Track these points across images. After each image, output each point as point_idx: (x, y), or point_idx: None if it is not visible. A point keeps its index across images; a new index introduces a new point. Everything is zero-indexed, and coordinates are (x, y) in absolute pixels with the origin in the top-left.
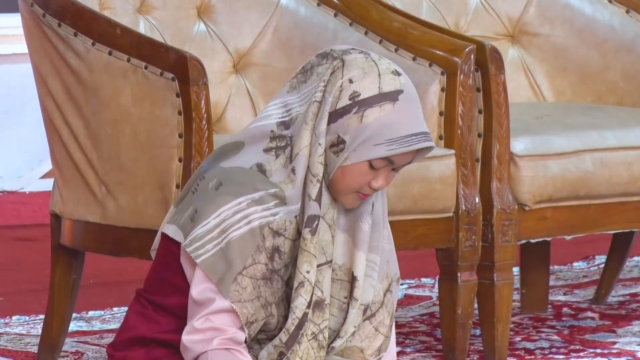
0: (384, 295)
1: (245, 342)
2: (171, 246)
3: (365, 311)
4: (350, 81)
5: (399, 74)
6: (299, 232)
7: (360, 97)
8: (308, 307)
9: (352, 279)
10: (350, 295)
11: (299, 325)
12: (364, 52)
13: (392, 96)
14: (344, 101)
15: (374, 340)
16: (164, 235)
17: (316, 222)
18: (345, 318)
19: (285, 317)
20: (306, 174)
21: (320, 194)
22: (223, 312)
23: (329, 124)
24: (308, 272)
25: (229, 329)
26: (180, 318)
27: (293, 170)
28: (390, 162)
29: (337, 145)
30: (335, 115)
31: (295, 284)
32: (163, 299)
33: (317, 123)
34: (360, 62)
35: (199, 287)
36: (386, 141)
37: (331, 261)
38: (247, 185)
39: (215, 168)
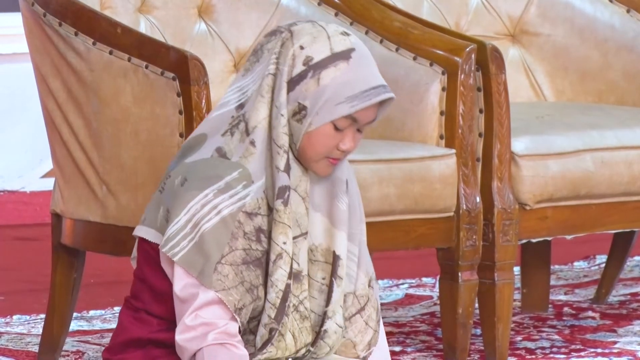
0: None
1: (240, 332)
2: (146, 247)
3: (344, 300)
4: (302, 48)
5: (347, 34)
6: (270, 208)
7: (314, 61)
8: (289, 278)
9: (335, 258)
10: (334, 274)
11: (283, 297)
12: (309, 20)
13: (344, 55)
14: (299, 68)
15: (365, 334)
16: (139, 239)
17: (287, 193)
18: (327, 300)
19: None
20: (271, 146)
21: (288, 165)
22: (210, 305)
23: (287, 93)
24: (285, 243)
25: (220, 321)
26: (171, 318)
27: (252, 143)
28: (354, 120)
29: (299, 112)
30: (292, 84)
31: (273, 257)
32: (150, 305)
33: (275, 95)
34: (308, 29)
35: (180, 283)
36: (346, 99)
37: (306, 233)
38: (211, 176)
39: (180, 165)
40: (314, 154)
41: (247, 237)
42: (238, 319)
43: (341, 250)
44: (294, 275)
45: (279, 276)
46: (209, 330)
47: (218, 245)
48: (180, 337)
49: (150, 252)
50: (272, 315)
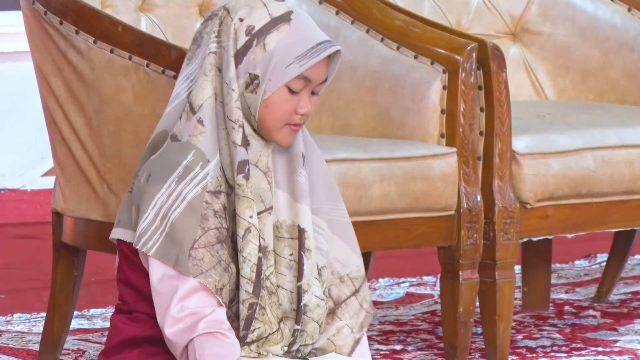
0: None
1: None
2: (124, 249)
3: (320, 273)
4: (241, 20)
5: (283, 0)
6: (230, 186)
7: (256, 29)
8: (259, 251)
9: (300, 232)
10: (302, 247)
11: (257, 271)
12: None
13: (284, 17)
14: (242, 39)
15: (359, 316)
16: (118, 243)
17: (247, 167)
18: (299, 274)
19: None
20: (225, 125)
21: (245, 140)
22: (193, 293)
23: (236, 67)
24: (251, 217)
25: (207, 309)
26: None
27: (200, 121)
28: (307, 80)
29: (251, 83)
30: (239, 56)
31: (242, 232)
32: (138, 305)
33: (224, 71)
34: (243, 2)
35: (157, 275)
36: (295, 59)
37: (271, 208)
38: (168, 165)
39: (145, 163)
40: (273, 122)
41: (217, 215)
42: (222, 302)
43: (306, 223)
44: (261, 250)
45: (251, 250)
46: (197, 319)
47: (189, 231)
48: (169, 330)
49: (128, 254)
50: (250, 290)
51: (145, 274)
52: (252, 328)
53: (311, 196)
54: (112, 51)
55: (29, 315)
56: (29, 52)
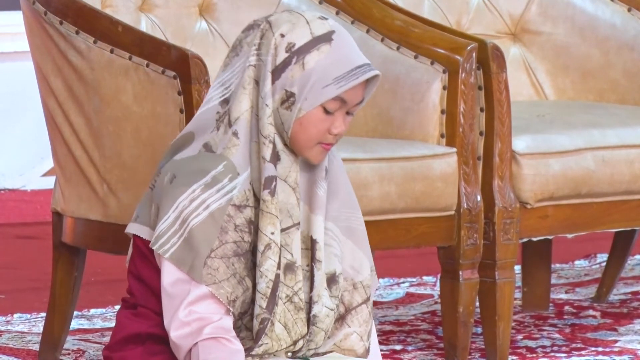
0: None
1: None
2: (140, 245)
3: (331, 280)
4: (282, 35)
5: (325, 18)
6: (257, 199)
7: (297, 47)
8: (278, 268)
9: (312, 243)
10: (313, 258)
11: (274, 287)
12: (285, 10)
13: (326, 37)
14: (282, 55)
15: (369, 324)
16: (133, 236)
17: (274, 183)
18: (311, 285)
19: (255, 286)
20: (257, 139)
21: (275, 155)
22: (203, 299)
23: (273, 82)
24: (273, 233)
25: (215, 315)
26: None
27: (235, 134)
28: (343, 102)
29: (287, 100)
30: (277, 72)
31: (262, 247)
32: (147, 300)
33: (260, 86)
34: (286, 17)
35: (170, 278)
36: (334, 80)
37: (299, 223)
38: (197, 172)
39: (169, 162)
40: (306, 140)
41: (238, 229)
42: (232, 311)
43: (318, 234)
44: (287, 266)
45: (269, 266)
46: (203, 324)
47: (207, 240)
48: (175, 333)
49: (144, 250)
50: (264, 305)
51: (157, 271)
52: (260, 343)
53: (328, 204)
54: (112, 51)
55: (29, 315)
56: (29, 52)
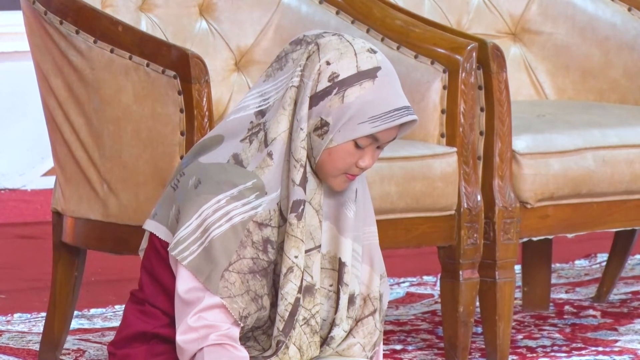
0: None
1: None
2: (156, 243)
3: (350, 301)
4: (328, 63)
5: (374, 52)
6: (283, 219)
7: (340, 78)
8: (299, 292)
9: (340, 265)
10: (340, 281)
11: (292, 311)
12: (337, 34)
13: (370, 74)
14: (324, 83)
15: (373, 335)
16: (150, 233)
17: (302, 207)
18: (335, 306)
19: (274, 306)
20: (289, 159)
21: (304, 179)
22: (214, 308)
23: (310, 107)
24: (296, 257)
25: (223, 324)
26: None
27: (270, 155)
28: (375, 139)
29: (320, 128)
30: (316, 99)
31: (284, 270)
32: (156, 297)
33: (297, 108)
34: (335, 44)
35: (185, 286)
36: (370, 118)
37: (320, 246)
38: (225, 182)
39: (194, 163)
40: (332, 169)
41: (254, 246)
42: (241, 324)
43: (346, 257)
44: (306, 289)
45: (289, 289)
46: (210, 332)
47: (226, 253)
48: (181, 337)
49: (159, 249)
50: (280, 328)
51: (171, 270)
52: None
53: (357, 222)
54: (112, 51)
55: (29, 315)
56: (29, 52)
